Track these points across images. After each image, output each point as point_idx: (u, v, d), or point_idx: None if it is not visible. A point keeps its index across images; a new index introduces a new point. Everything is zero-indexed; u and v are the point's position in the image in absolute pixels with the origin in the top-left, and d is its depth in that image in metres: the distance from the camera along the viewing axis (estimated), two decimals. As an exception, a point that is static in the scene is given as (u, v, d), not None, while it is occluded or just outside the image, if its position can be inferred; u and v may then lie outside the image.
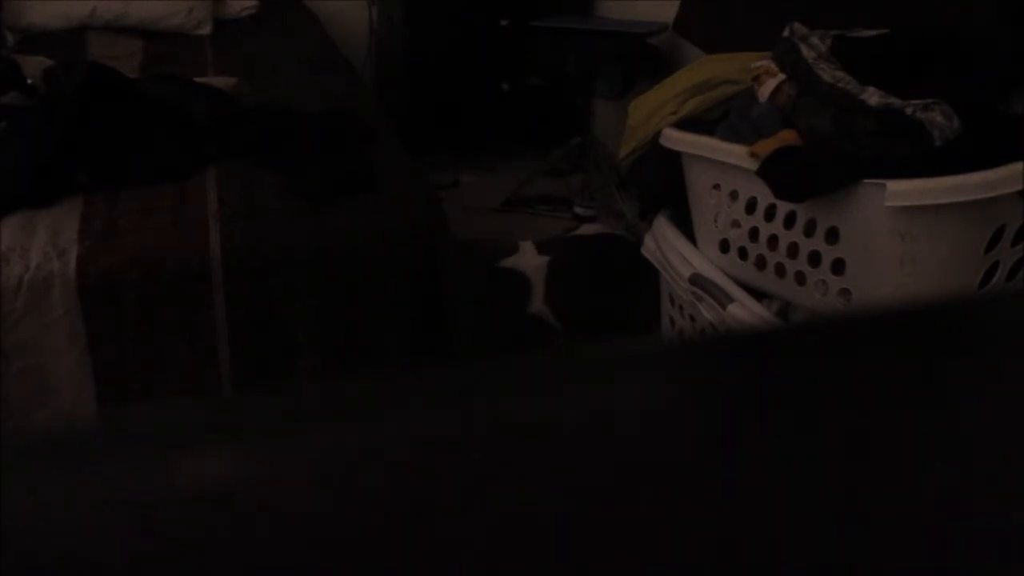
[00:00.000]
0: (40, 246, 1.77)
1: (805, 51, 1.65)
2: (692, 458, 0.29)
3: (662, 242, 1.90)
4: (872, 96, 1.55)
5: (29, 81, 2.15)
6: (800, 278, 1.64)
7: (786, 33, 1.70)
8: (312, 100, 2.41)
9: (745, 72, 1.75)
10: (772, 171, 1.57)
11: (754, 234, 1.70)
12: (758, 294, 1.72)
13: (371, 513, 0.26)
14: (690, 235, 1.86)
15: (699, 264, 1.79)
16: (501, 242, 2.53)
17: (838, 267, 1.58)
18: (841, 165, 1.52)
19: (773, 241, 1.67)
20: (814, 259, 1.61)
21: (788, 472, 0.29)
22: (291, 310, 1.85)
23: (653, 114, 1.88)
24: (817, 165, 1.55)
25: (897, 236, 1.48)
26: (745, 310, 1.67)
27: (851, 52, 1.65)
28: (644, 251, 1.98)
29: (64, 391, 1.78)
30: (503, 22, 3.48)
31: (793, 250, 1.64)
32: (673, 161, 1.82)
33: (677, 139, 1.79)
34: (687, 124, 1.81)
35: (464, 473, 0.28)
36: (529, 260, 2.42)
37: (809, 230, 1.60)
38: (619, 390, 0.31)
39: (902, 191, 1.44)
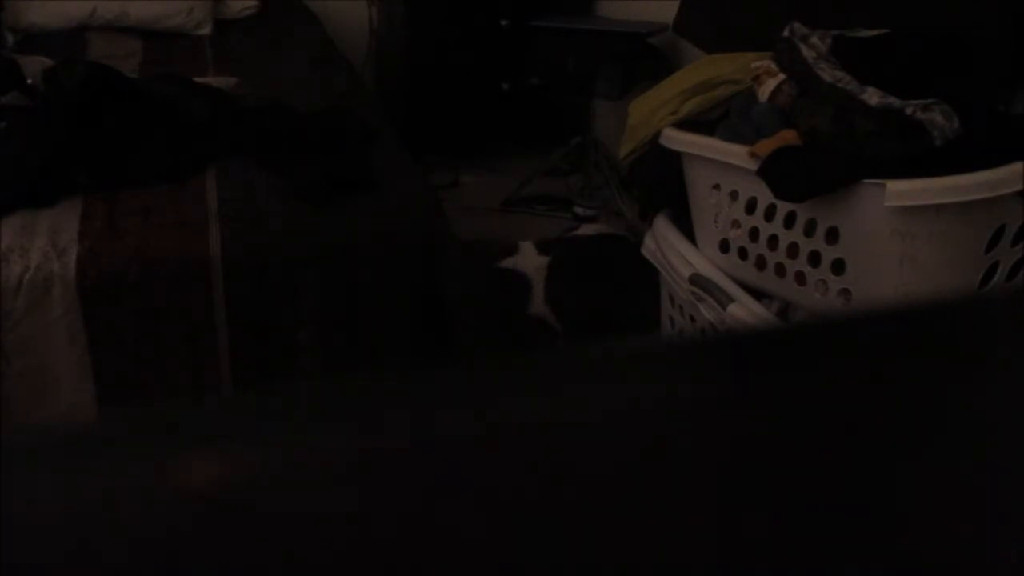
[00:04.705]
0: (40, 246, 1.77)
1: (805, 51, 1.65)
2: (692, 459, 0.29)
3: (662, 242, 1.90)
4: (872, 96, 1.55)
5: (29, 81, 2.15)
6: (800, 278, 1.64)
7: (786, 33, 1.70)
8: (312, 100, 2.41)
9: (745, 72, 1.75)
10: (772, 171, 1.57)
11: (754, 234, 1.70)
12: (758, 294, 1.72)
13: (371, 513, 0.26)
14: (690, 235, 1.86)
15: (699, 264, 1.79)
16: (501, 242, 2.53)
17: (838, 267, 1.58)
18: (841, 165, 1.52)
19: (773, 241, 1.67)
20: (814, 259, 1.61)
21: (788, 472, 0.29)
22: (291, 310, 1.85)
23: (653, 114, 1.88)
24: (817, 165, 1.55)
25: (897, 236, 1.48)
26: (745, 310, 1.67)
27: (851, 52, 1.65)
28: (644, 251, 1.98)
29: (64, 391, 1.78)
30: (503, 22, 3.48)
31: (793, 250, 1.64)
32: (673, 161, 1.82)
33: (677, 139, 1.79)
34: (687, 124, 1.81)
35: (464, 473, 0.28)
36: (529, 260, 2.42)
37: (809, 230, 1.60)
38: (619, 390, 0.31)
39: (902, 191, 1.44)
